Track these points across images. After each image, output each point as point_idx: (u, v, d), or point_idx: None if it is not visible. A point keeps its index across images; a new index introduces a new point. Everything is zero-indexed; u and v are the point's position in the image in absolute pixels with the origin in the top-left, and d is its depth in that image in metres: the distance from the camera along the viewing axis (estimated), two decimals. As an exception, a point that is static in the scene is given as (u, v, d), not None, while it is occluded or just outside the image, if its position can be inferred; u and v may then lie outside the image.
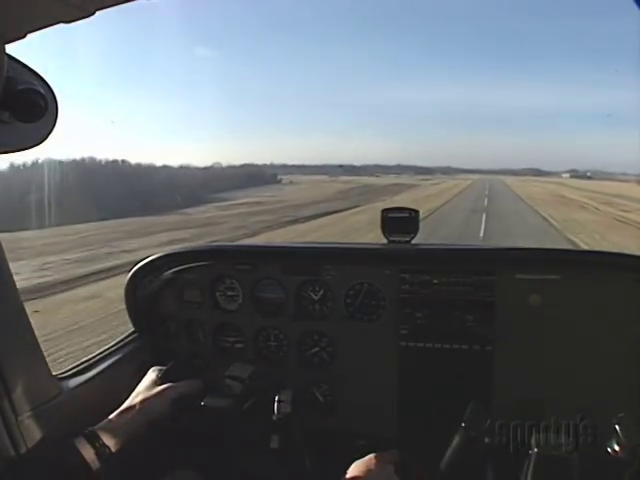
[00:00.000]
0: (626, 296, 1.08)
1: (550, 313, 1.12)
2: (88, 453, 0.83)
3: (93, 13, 0.62)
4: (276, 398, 1.08)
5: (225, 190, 30.56)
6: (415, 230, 1.27)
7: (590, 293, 1.11)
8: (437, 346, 1.19)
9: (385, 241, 1.29)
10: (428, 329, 1.20)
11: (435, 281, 1.20)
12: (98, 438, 0.86)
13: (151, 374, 1.06)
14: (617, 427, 0.84)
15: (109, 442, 0.86)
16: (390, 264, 1.24)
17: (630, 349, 1.07)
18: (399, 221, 1.28)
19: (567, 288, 1.12)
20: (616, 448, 0.83)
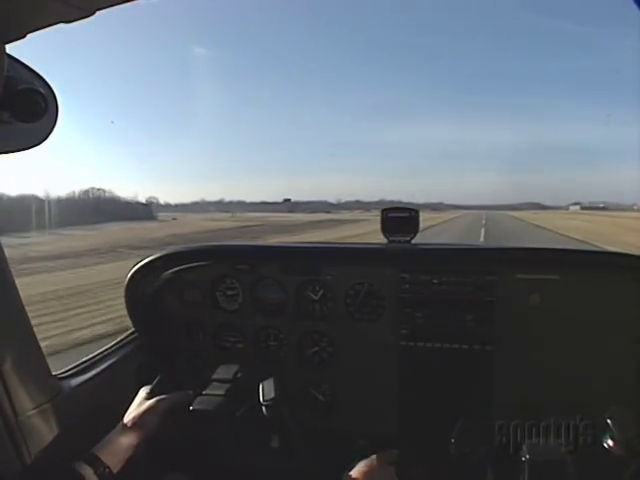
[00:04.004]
0: (626, 296, 1.08)
1: (550, 313, 1.12)
2: (90, 477, 0.84)
3: (93, 13, 0.62)
4: (260, 386, 1.07)
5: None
6: (415, 230, 1.27)
7: (590, 293, 1.11)
8: (437, 346, 1.19)
9: (385, 241, 1.29)
10: (428, 329, 1.20)
11: (435, 281, 1.19)
12: (98, 460, 0.87)
13: (141, 393, 1.07)
14: (609, 421, 0.84)
15: (109, 462, 0.88)
16: (390, 264, 1.24)
17: (630, 349, 1.07)
18: (399, 221, 1.27)
19: (567, 288, 1.12)
20: (610, 443, 0.83)
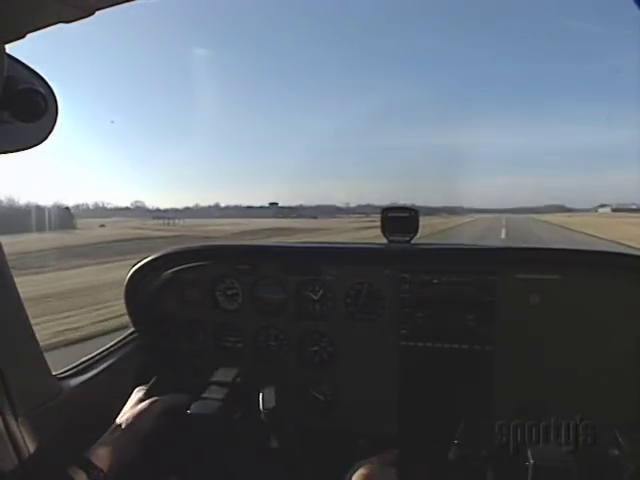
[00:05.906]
0: (626, 296, 1.08)
1: (550, 313, 1.12)
2: None
3: (93, 13, 0.62)
4: (260, 394, 1.06)
5: None
6: (415, 230, 1.27)
7: (590, 293, 1.11)
8: (437, 346, 1.19)
9: (385, 241, 1.29)
10: (428, 329, 1.20)
11: (435, 281, 1.19)
12: (91, 464, 0.84)
13: (136, 394, 1.05)
14: (618, 434, 0.83)
15: (102, 466, 0.85)
16: (390, 264, 1.24)
17: (630, 349, 1.06)
18: (399, 221, 1.27)
19: (567, 288, 1.12)
20: (617, 454, 0.83)
